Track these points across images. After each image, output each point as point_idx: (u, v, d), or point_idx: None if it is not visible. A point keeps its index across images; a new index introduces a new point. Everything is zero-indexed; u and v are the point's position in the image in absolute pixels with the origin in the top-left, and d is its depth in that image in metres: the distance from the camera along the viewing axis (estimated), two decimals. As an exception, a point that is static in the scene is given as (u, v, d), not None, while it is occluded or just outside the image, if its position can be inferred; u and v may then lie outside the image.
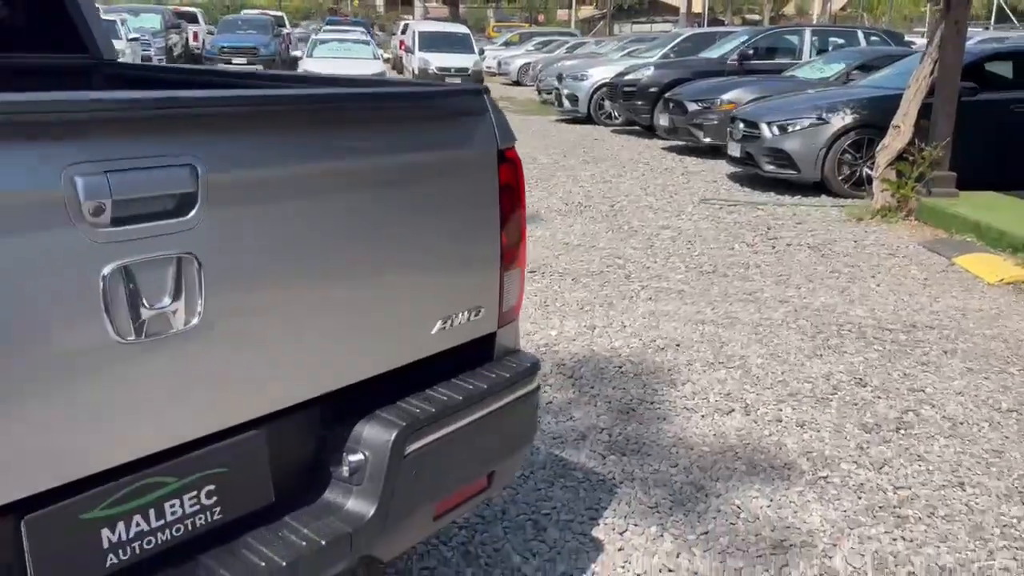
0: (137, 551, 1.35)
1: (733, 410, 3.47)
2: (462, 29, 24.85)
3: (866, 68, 10.40)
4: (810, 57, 12.84)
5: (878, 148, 7.42)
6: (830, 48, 13.29)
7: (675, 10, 68.09)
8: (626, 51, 20.17)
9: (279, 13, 34.71)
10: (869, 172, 7.91)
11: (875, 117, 7.94)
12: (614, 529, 2.63)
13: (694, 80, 11.97)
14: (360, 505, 1.57)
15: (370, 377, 1.63)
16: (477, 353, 1.87)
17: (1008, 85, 8.44)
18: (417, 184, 1.64)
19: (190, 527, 1.42)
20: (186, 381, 1.32)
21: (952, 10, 6.99)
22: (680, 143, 11.44)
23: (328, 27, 29.49)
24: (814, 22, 32.52)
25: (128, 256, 1.21)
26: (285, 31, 30.24)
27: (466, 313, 1.79)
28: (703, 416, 3.41)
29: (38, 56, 2.67)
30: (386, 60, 23.68)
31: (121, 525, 1.33)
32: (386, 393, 1.68)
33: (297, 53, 24.76)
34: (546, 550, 2.51)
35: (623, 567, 2.44)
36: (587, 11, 72.42)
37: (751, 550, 2.52)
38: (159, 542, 1.38)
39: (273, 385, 1.46)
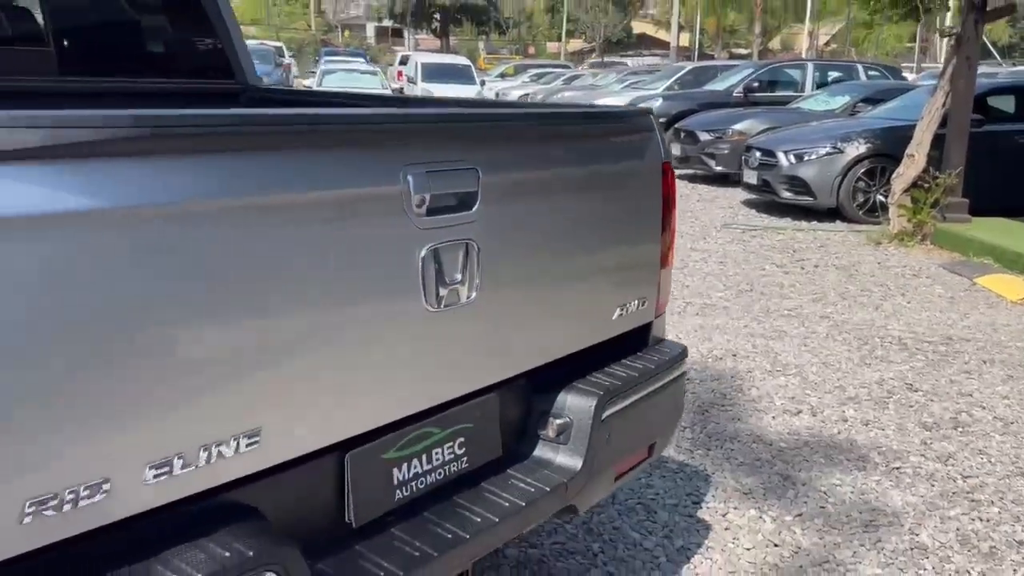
0: (414, 489, 1.62)
1: (800, 411, 3.75)
2: (463, 61, 25.36)
3: (870, 101, 10.86)
4: (811, 90, 13.33)
5: (893, 176, 7.80)
6: (829, 81, 13.81)
7: (661, 44, 69.35)
8: (627, 83, 20.68)
9: (278, 43, 35.17)
10: (882, 199, 8.30)
11: (887, 147, 8.36)
12: (716, 512, 2.89)
13: (701, 111, 12.42)
14: (568, 460, 1.84)
15: (567, 354, 1.91)
16: (637, 339, 2.15)
17: (1010, 118, 8.89)
18: (608, 189, 1.94)
19: (447, 472, 1.68)
20: (460, 347, 1.60)
21: (963, 46, 7.41)
22: (691, 171, 11.82)
23: (329, 57, 29.94)
24: (803, 57, 33.35)
25: (436, 241, 1.49)
26: (285, 60, 30.70)
27: (636, 302, 2.07)
28: (773, 417, 3.70)
29: (193, 81, 2.96)
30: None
31: (405, 466, 1.60)
32: (574, 369, 1.96)
33: (307, 82, 25.13)
34: (660, 529, 2.78)
35: (733, 542, 2.71)
36: (576, 44, 73.61)
37: (845, 528, 2.79)
38: (427, 483, 1.64)
39: (508, 355, 1.74)
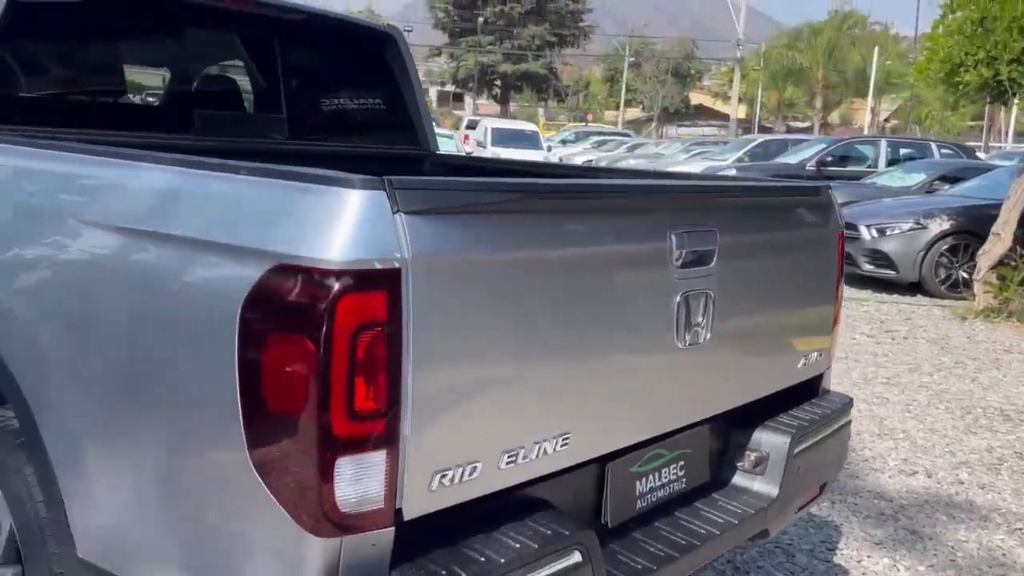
0: (648, 501, 1.89)
1: (915, 472, 3.93)
2: (531, 127, 26.15)
3: (946, 179, 11.04)
4: (884, 166, 13.54)
5: (979, 253, 7.95)
6: (901, 158, 14.01)
7: (718, 115, 70.08)
8: (692, 153, 21.09)
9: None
10: (966, 275, 8.43)
11: (970, 224, 8.53)
12: (851, 559, 3.09)
13: (775, 183, 12.69)
14: (766, 488, 2.09)
15: (762, 396, 2.18)
16: (810, 388, 2.41)
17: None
18: (802, 252, 2.23)
19: (671, 490, 1.95)
20: (693, 381, 1.88)
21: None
22: (765, 241, 12.03)
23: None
24: (864, 132, 33.59)
25: (686, 290, 1.78)
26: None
27: (815, 354, 2.34)
28: (889, 476, 3.88)
29: (389, 147, 3.34)
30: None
31: (644, 480, 1.87)
32: (762, 410, 2.22)
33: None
34: (801, 571, 2.98)
35: (872, 586, 2.90)
36: (634, 113, 74.91)
37: (973, 569, 2.97)
38: (657, 497, 1.91)
39: (722, 392, 2.02)
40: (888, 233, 8.86)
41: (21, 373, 1.63)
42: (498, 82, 69.33)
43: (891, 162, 13.84)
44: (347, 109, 3.34)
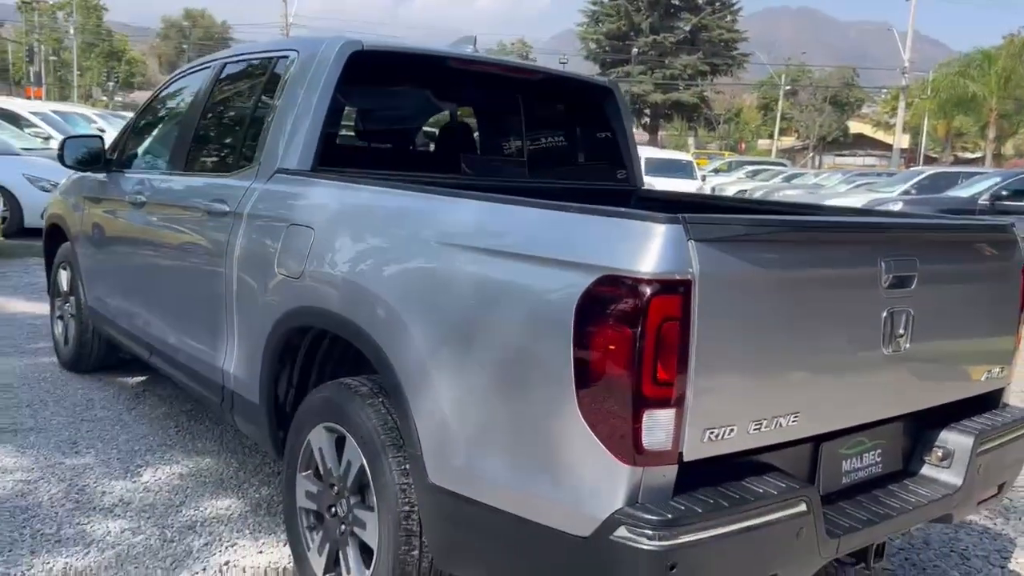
0: (851, 479, 2.32)
1: (1093, 499, 4.08)
2: (686, 157, 26.32)
3: None
4: (1066, 201, 12.98)
5: None
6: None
7: (879, 145, 67.42)
8: (854, 184, 20.69)
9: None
10: None
11: None
12: (1026, 566, 3.35)
13: (945, 217, 12.46)
14: (951, 479, 2.47)
15: (948, 401, 2.56)
16: (993, 400, 2.76)
17: None
18: (989, 282, 2.61)
19: (869, 472, 2.38)
20: (895, 382, 2.31)
21: None
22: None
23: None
24: (1044, 164, 31.62)
25: (891, 306, 2.22)
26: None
27: (997, 369, 2.69)
28: (1066, 500, 4.05)
29: (606, 183, 3.92)
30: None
31: (848, 460, 2.31)
32: (949, 415, 2.59)
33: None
34: (976, 572, 3.27)
35: (1047, 591, 3.16)
36: (788, 141, 73.29)
37: None
38: (858, 476, 2.34)
39: (916, 394, 2.42)
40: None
41: (395, 355, 2.27)
42: (647, 111, 69.66)
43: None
44: (573, 151, 3.95)
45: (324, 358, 2.89)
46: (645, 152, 26.95)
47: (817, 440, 2.22)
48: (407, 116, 3.56)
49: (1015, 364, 2.80)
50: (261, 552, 3.07)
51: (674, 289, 1.78)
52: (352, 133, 3.65)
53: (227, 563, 2.97)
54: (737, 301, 1.89)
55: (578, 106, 3.85)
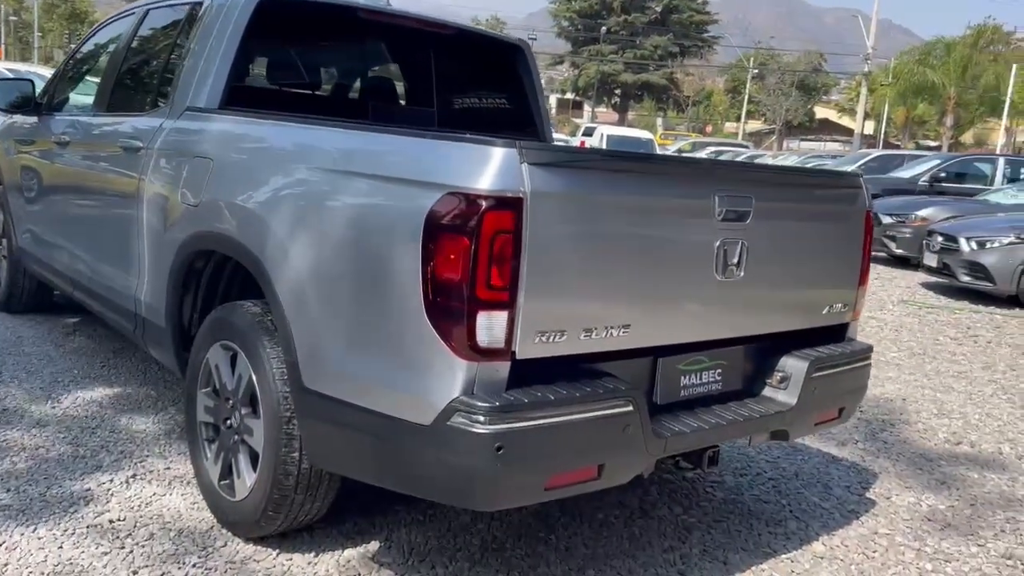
0: (690, 393, 2.58)
1: (960, 443, 4.42)
2: (646, 135, 26.62)
3: (1063, 199, 11.03)
4: (1001, 185, 13.47)
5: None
6: (1022, 177, 13.87)
7: (843, 130, 68.28)
8: (809, 165, 21.13)
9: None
10: (1065, 291, 8.56)
11: (1074, 241, 8.66)
12: (882, 495, 3.66)
13: (884, 196, 12.87)
14: (787, 399, 2.75)
15: (786, 331, 2.83)
16: (837, 335, 3.04)
17: None
18: (829, 222, 2.87)
19: (708, 389, 2.64)
20: (729, 306, 2.57)
21: None
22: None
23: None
24: (996, 152, 32.37)
25: (724, 236, 2.47)
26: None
27: (840, 305, 2.97)
28: (935, 444, 4.38)
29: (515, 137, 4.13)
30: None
31: (687, 376, 2.57)
32: (791, 344, 2.86)
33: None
34: (834, 499, 3.57)
35: (894, 514, 3.47)
36: (755, 125, 73.99)
37: (988, 512, 3.49)
38: (696, 392, 2.60)
39: (755, 319, 2.69)
40: (988, 246, 9.07)
41: (276, 273, 2.48)
42: (618, 91, 69.87)
43: (1011, 181, 13.75)
44: (482, 107, 4.16)
45: (227, 284, 3.09)
46: (605, 129, 27.29)
47: (655, 354, 2.47)
48: (318, 64, 3.74)
49: (860, 303, 3.08)
50: (168, 468, 3.27)
51: (507, 205, 2.01)
52: (264, 78, 3.83)
53: (133, 476, 3.18)
54: (567, 220, 2.12)
55: (489, 63, 4.06)
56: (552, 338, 2.14)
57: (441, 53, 3.90)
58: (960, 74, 38.36)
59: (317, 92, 3.80)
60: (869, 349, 3.07)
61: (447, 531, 2.94)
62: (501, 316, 2.04)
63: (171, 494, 3.07)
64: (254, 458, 2.69)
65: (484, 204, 2.00)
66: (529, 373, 2.13)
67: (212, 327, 2.87)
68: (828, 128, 72.09)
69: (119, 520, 2.85)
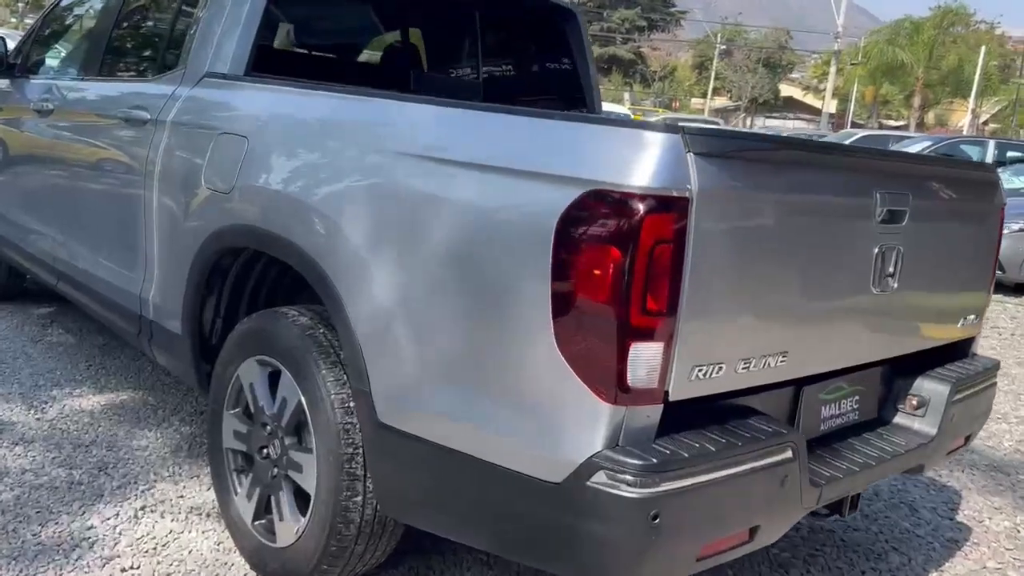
0: (830, 426, 2.18)
1: None
2: (623, 109, 26.18)
3: (1057, 183, 10.86)
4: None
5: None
6: (1007, 161, 13.74)
7: (807, 108, 68.56)
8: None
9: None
10: (1076, 279, 8.37)
11: (1084, 229, 8.46)
12: (974, 519, 3.32)
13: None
14: (925, 428, 2.36)
15: (921, 349, 2.44)
16: (961, 349, 2.66)
17: None
18: (973, 222, 2.48)
19: (845, 420, 2.24)
20: (879, 323, 2.16)
21: None
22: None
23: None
24: (963, 134, 32.58)
25: (883, 242, 2.06)
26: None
27: (972, 317, 2.58)
28: (1004, 455, 4.07)
29: (561, 108, 3.68)
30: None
31: (827, 406, 2.17)
32: (917, 363, 2.48)
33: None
34: (926, 524, 3.23)
35: (995, 543, 3.13)
36: (721, 101, 73.92)
37: (1096, 547, 3.17)
38: (835, 424, 2.21)
39: (899, 337, 2.29)
40: (997, 233, 8.83)
41: (342, 281, 2.01)
42: (585, 64, 69.11)
43: (997, 164, 13.61)
44: (531, 77, 3.69)
45: (256, 284, 2.61)
46: (583, 103, 26.76)
47: (799, 383, 2.06)
48: (352, 29, 3.24)
49: (986, 312, 2.71)
50: (182, 497, 2.80)
51: (670, 207, 1.57)
52: (292, 43, 3.31)
53: (142, 508, 2.70)
54: (733, 226, 1.69)
55: (537, 28, 3.59)
56: (709, 373, 1.71)
57: (486, 20, 3.42)
58: (928, 54, 38.53)
59: (353, 62, 3.31)
60: (997, 366, 2.70)
61: (514, 575, 2.52)
62: (656, 348, 1.61)
63: (190, 531, 2.60)
64: (301, 496, 2.24)
65: (642, 206, 1.56)
66: (676, 415, 1.71)
67: (245, 338, 2.39)
68: (793, 106, 72.26)
69: (133, 569, 2.38)
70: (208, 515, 2.68)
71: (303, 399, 2.17)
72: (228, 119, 2.52)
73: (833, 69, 41.69)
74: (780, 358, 1.86)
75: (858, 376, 2.25)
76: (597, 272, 1.59)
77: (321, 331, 2.19)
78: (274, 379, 2.31)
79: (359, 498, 2.09)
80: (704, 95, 70.70)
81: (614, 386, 1.59)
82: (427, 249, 1.85)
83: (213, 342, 2.65)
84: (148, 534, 2.56)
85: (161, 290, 2.75)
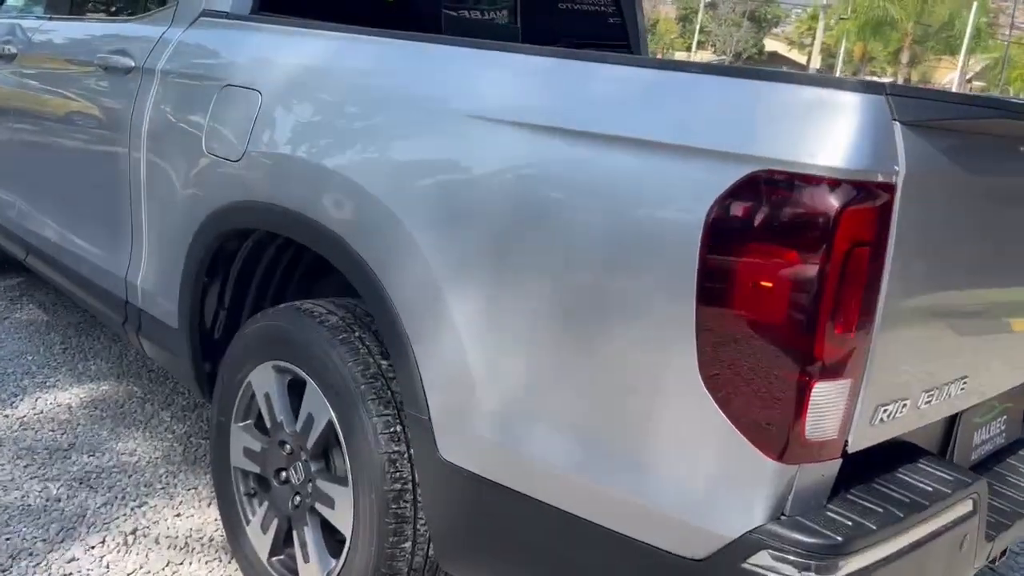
0: (980, 454, 1.80)
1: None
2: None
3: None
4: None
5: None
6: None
7: (792, 63, 67.82)
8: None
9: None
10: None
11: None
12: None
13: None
14: (1077, 452, 1.99)
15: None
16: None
17: None
18: None
19: (993, 444, 1.86)
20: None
21: None
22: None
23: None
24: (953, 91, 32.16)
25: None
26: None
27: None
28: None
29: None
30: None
31: (980, 431, 1.78)
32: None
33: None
34: None
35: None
36: (705, 55, 72.91)
37: None
38: (984, 451, 1.82)
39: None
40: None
41: (391, 276, 1.58)
42: (567, 15, 67.78)
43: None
44: (574, 24, 3.23)
45: (266, 272, 2.17)
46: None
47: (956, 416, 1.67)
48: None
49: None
50: (179, 516, 2.38)
51: (872, 197, 1.15)
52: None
53: (133, 532, 2.28)
54: (939, 221, 1.27)
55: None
56: (893, 413, 1.31)
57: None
58: (918, 9, 38.02)
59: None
60: None
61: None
62: (843, 387, 1.20)
63: (190, 561, 2.19)
64: (331, 533, 1.84)
65: (835, 195, 1.13)
66: (851, 466, 1.31)
67: (259, 339, 1.96)
68: (777, 61, 71.40)
69: (126, 617, 1.97)
70: (211, 540, 2.27)
71: (335, 418, 1.75)
72: (235, 68, 2.04)
73: (821, 24, 41.11)
74: (960, 385, 1.47)
75: (1011, 391, 1.86)
76: (766, 284, 1.17)
77: (357, 335, 1.76)
78: (296, 389, 1.88)
79: (407, 544, 1.69)
80: (688, 48, 69.71)
81: (784, 438, 1.18)
82: (514, 242, 1.42)
83: (216, 337, 2.22)
84: (141, 567, 2.14)
85: (152, 274, 2.30)
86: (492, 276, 1.44)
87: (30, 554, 2.14)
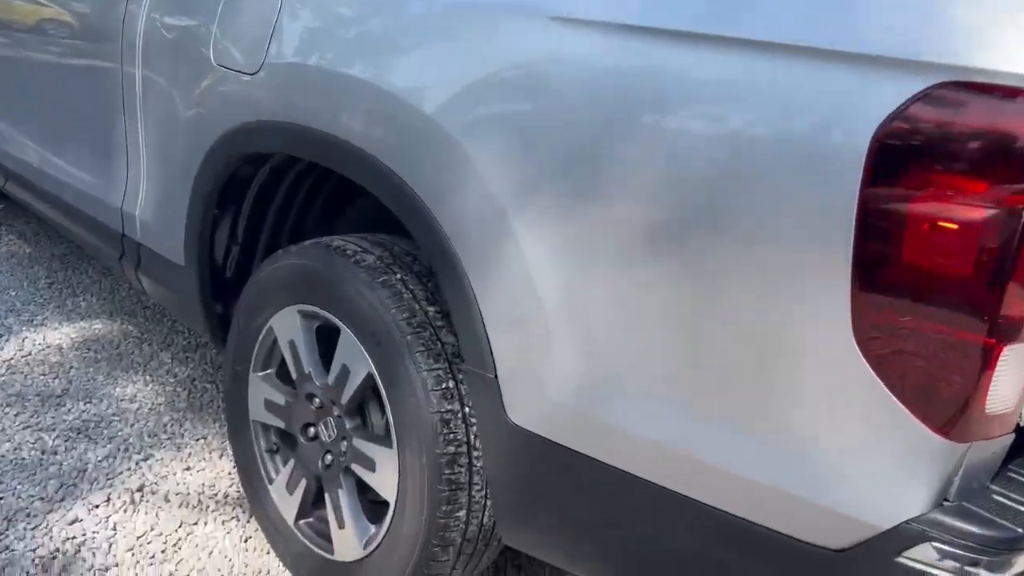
0: None
1: None
2: None
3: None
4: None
5: None
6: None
7: None
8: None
9: None
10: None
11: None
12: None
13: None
14: None
15: None
16: None
17: None
18: None
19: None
20: None
21: None
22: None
23: None
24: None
25: None
26: None
27: None
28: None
29: None
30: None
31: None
32: None
33: None
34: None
35: None
36: None
37: None
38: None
39: None
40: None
41: (446, 210, 1.34)
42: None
43: None
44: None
45: (284, 202, 1.92)
46: None
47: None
48: None
49: None
50: (188, 470, 2.18)
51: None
52: None
53: (139, 489, 2.07)
54: None
55: None
56: None
57: None
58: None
59: None
60: None
61: None
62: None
63: (205, 521, 2.00)
64: (369, 498, 1.64)
65: (1046, 114, 0.90)
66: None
67: (281, 280, 1.72)
68: None
69: (138, 587, 1.78)
70: (226, 497, 2.08)
71: (375, 371, 1.53)
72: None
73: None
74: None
75: None
76: (947, 225, 0.94)
77: (398, 276, 1.53)
78: (327, 337, 1.66)
79: (462, 512, 1.49)
80: None
81: (959, 411, 0.98)
82: (608, 167, 1.17)
83: (228, 276, 1.98)
84: (152, 528, 1.95)
85: (152, 205, 2.04)
86: (581, 217, 1.20)
87: (28, 515, 1.94)
